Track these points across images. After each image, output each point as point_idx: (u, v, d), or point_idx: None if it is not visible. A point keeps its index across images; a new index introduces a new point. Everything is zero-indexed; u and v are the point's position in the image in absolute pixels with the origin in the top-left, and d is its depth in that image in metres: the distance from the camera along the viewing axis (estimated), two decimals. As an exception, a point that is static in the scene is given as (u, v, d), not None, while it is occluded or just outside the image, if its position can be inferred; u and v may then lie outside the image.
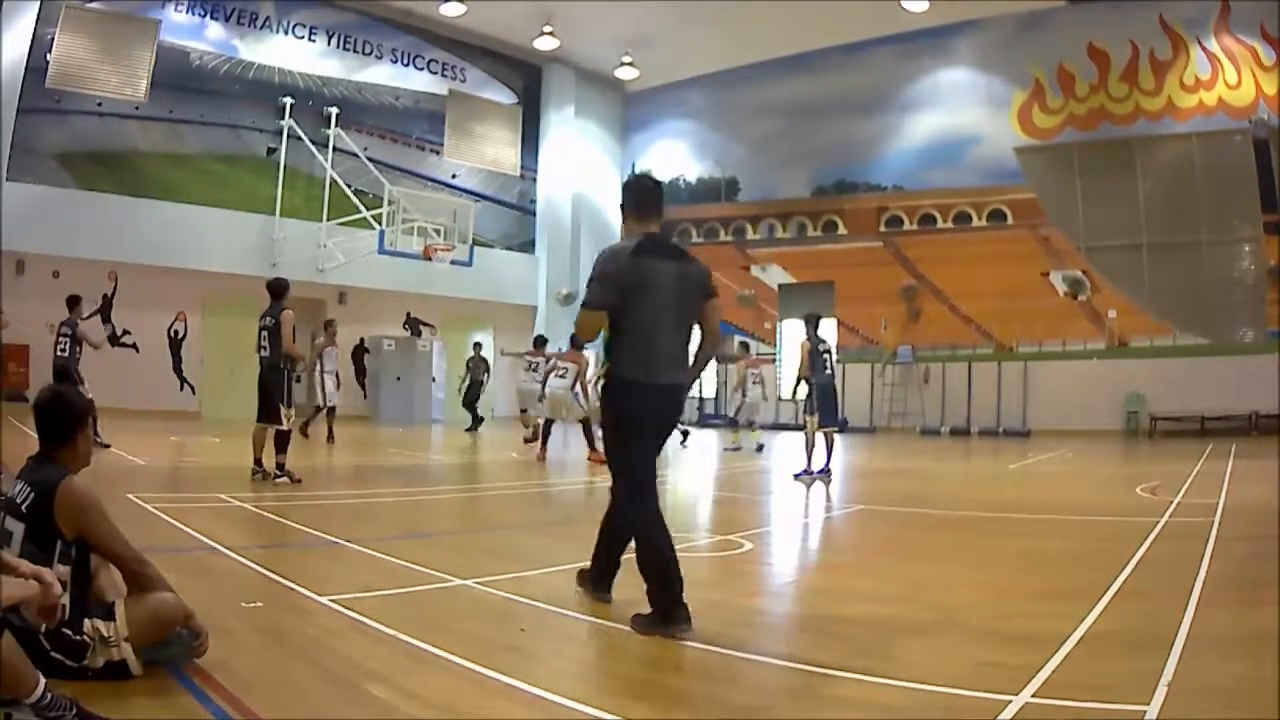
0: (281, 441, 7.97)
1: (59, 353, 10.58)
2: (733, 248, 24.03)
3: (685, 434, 16.33)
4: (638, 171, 3.99)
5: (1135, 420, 18.28)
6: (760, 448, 14.55)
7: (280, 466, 7.85)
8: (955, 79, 21.15)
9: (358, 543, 5.16)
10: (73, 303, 11.04)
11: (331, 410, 13.55)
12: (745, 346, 16.65)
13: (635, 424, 3.71)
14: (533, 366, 12.96)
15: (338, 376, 13.98)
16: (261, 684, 2.73)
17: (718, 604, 4.09)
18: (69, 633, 2.58)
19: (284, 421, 7.96)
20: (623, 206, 3.89)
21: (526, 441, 12.98)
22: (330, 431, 13.38)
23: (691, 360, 3.82)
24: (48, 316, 14.77)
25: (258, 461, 7.96)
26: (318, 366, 13.51)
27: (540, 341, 13.55)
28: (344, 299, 20.42)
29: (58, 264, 16.19)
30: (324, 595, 3.83)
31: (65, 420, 2.90)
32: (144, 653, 2.69)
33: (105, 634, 2.62)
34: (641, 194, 3.86)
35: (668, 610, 3.42)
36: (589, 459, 11.30)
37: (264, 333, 8.01)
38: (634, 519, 3.67)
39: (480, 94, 23.28)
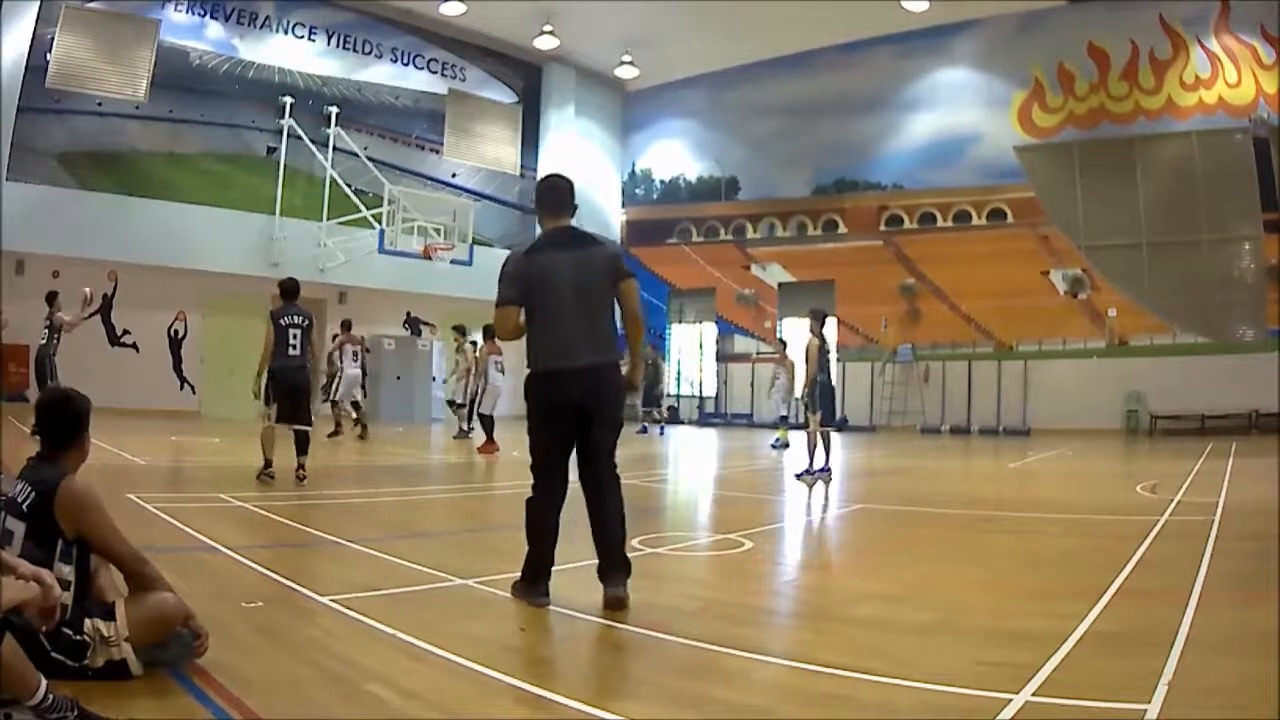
0: (303, 443, 7.91)
1: (39, 342, 11.40)
2: (733, 247, 24.04)
3: (656, 424, 16.29)
4: (549, 174, 4.39)
5: (1135, 419, 18.28)
6: (779, 444, 14.47)
7: (302, 467, 7.83)
8: (955, 78, 21.14)
9: (358, 543, 5.16)
10: (50, 298, 11.54)
11: (357, 405, 13.95)
12: (783, 344, 16.09)
13: (542, 412, 3.87)
14: (500, 366, 13.20)
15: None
16: (261, 684, 2.73)
17: (718, 603, 4.10)
18: (69, 632, 2.58)
19: (310, 422, 7.98)
20: (536, 205, 4.13)
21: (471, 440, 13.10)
22: (363, 427, 13.77)
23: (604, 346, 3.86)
24: (46, 310, 14.81)
25: (269, 463, 7.82)
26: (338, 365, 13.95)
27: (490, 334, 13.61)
28: (344, 299, 20.40)
29: (58, 264, 16.18)
30: (324, 595, 3.83)
31: (71, 422, 2.90)
32: (144, 653, 2.69)
33: (105, 634, 2.62)
34: (545, 192, 4.11)
35: (530, 578, 3.88)
36: (480, 450, 12.16)
37: (294, 331, 7.78)
38: (530, 499, 3.96)
39: (480, 93, 23.28)
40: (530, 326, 3.89)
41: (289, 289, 8.04)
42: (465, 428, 14.38)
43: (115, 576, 2.97)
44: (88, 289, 11.66)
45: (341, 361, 13.98)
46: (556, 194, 4.11)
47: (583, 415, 3.82)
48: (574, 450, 3.95)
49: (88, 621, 2.63)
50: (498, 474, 10.53)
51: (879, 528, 6.83)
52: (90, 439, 2.98)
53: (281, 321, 7.79)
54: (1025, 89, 20.06)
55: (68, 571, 2.70)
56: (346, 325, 14.55)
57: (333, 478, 9.46)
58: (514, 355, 25.02)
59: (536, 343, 3.88)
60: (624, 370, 4.05)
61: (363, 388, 14.39)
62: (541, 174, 19.91)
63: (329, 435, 13.22)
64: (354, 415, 14.00)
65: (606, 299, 3.89)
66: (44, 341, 11.57)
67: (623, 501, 3.98)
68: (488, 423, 12.68)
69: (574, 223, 4.16)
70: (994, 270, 19.95)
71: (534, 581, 3.87)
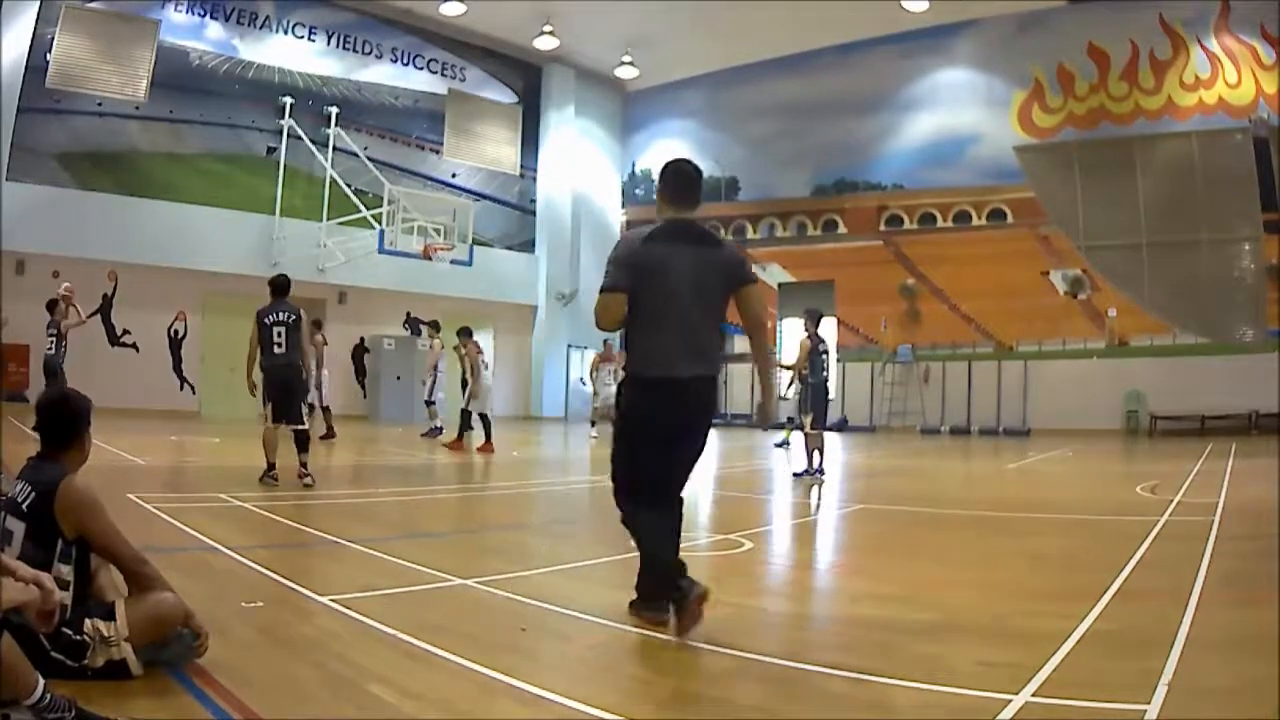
0: (303, 441, 7.83)
1: (46, 350, 11.33)
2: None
3: None
4: (677, 159, 3.87)
5: (1135, 419, 18.29)
6: (783, 444, 14.43)
7: (305, 465, 7.71)
8: (955, 79, 21.14)
9: (358, 543, 5.16)
10: (51, 306, 11.47)
11: (327, 409, 13.78)
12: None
13: (639, 422, 3.52)
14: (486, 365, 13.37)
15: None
16: (261, 684, 2.73)
17: (718, 603, 4.08)
18: (69, 632, 2.58)
19: (305, 421, 7.91)
20: (658, 191, 3.75)
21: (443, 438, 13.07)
22: (330, 428, 13.58)
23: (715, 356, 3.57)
24: (48, 316, 14.79)
25: (272, 465, 7.70)
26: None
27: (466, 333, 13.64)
28: (344, 299, 20.43)
29: (58, 264, 16.18)
30: (324, 595, 3.83)
31: (70, 422, 2.90)
32: (144, 653, 2.69)
33: (105, 634, 2.62)
34: (671, 178, 3.70)
35: (648, 594, 3.54)
36: (448, 446, 12.38)
37: (278, 329, 7.65)
38: (624, 518, 3.65)
39: (480, 93, 23.29)
40: (632, 323, 3.50)
41: (276, 286, 7.90)
42: (438, 426, 14.55)
43: (115, 576, 2.97)
44: (65, 285, 11.69)
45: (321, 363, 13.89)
46: (683, 182, 3.71)
47: (680, 430, 3.52)
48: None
49: (87, 621, 2.62)
50: (498, 474, 10.53)
51: (879, 528, 6.83)
52: (90, 439, 2.98)
53: (266, 320, 7.68)
54: (1025, 89, 20.06)
55: (67, 571, 2.70)
56: (317, 325, 14.37)
57: (333, 478, 9.46)
58: (514, 355, 24.92)
59: (639, 344, 3.51)
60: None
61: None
62: (542, 174, 20.12)
63: (321, 438, 13.19)
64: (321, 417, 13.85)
65: (722, 306, 3.52)
66: (51, 351, 11.39)
67: (682, 518, 3.68)
68: (485, 422, 12.70)
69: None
70: (994, 270, 19.95)
71: (654, 598, 3.53)
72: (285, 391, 7.76)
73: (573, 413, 24.17)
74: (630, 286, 3.46)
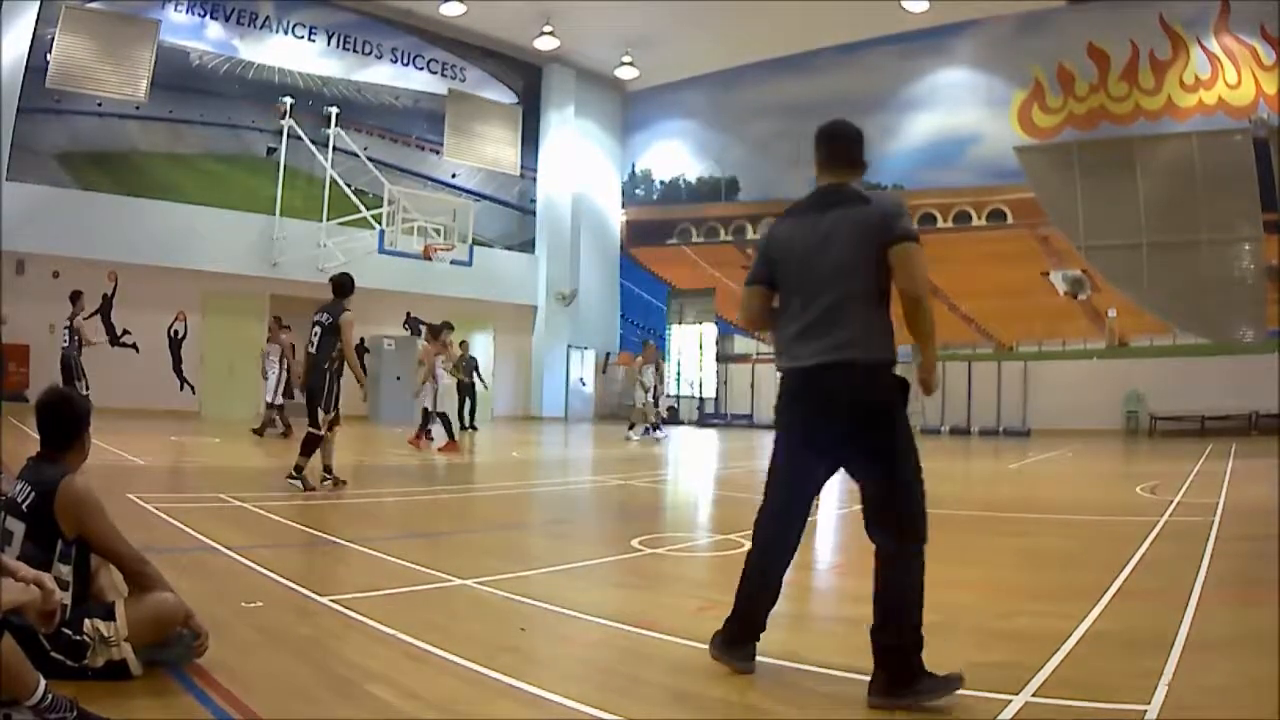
0: (308, 444, 7.62)
1: (63, 346, 10.98)
2: (733, 247, 24.03)
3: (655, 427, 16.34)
4: (833, 119, 3.11)
5: (1135, 420, 18.28)
6: None
7: (298, 469, 7.52)
8: (955, 79, 21.14)
9: (358, 543, 5.16)
10: (74, 297, 11.31)
11: (280, 407, 13.66)
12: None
13: (778, 419, 3.07)
14: (446, 365, 13.31)
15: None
16: (261, 684, 2.73)
17: (718, 604, 4.08)
18: (69, 633, 2.58)
19: (320, 426, 7.61)
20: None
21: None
22: (277, 424, 13.49)
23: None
24: (48, 316, 14.81)
25: (327, 469, 7.62)
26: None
27: (435, 332, 13.68)
28: (344, 299, 20.40)
29: (58, 264, 16.19)
30: (324, 595, 3.83)
31: (70, 422, 2.90)
32: (144, 653, 2.69)
33: (105, 634, 2.62)
34: (819, 140, 3.12)
35: (732, 637, 3.04)
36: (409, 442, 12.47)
37: (315, 329, 7.63)
38: (753, 532, 3.17)
39: (480, 93, 23.29)
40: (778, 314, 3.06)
41: (335, 284, 7.92)
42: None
43: (115, 576, 2.97)
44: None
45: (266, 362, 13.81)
46: (828, 141, 3.10)
47: (811, 436, 2.96)
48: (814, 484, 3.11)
49: (87, 622, 2.62)
50: (498, 474, 10.53)
51: (879, 528, 6.82)
52: (91, 439, 2.98)
53: (312, 319, 7.80)
54: (1025, 89, 20.06)
55: (66, 572, 2.70)
56: (277, 320, 14.36)
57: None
58: (514, 355, 24.87)
59: (777, 332, 3.05)
60: (915, 371, 2.97)
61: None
62: (542, 174, 20.05)
63: (280, 434, 13.19)
64: (275, 416, 13.69)
65: (868, 275, 2.84)
66: (65, 344, 11.34)
67: (914, 585, 3.03)
68: (444, 420, 12.82)
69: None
70: (994, 271, 19.94)
71: (737, 643, 3.03)
72: (307, 392, 7.74)
73: (573, 413, 24.17)
74: (767, 275, 3.05)
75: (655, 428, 16.44)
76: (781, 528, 3.10)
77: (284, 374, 13.67)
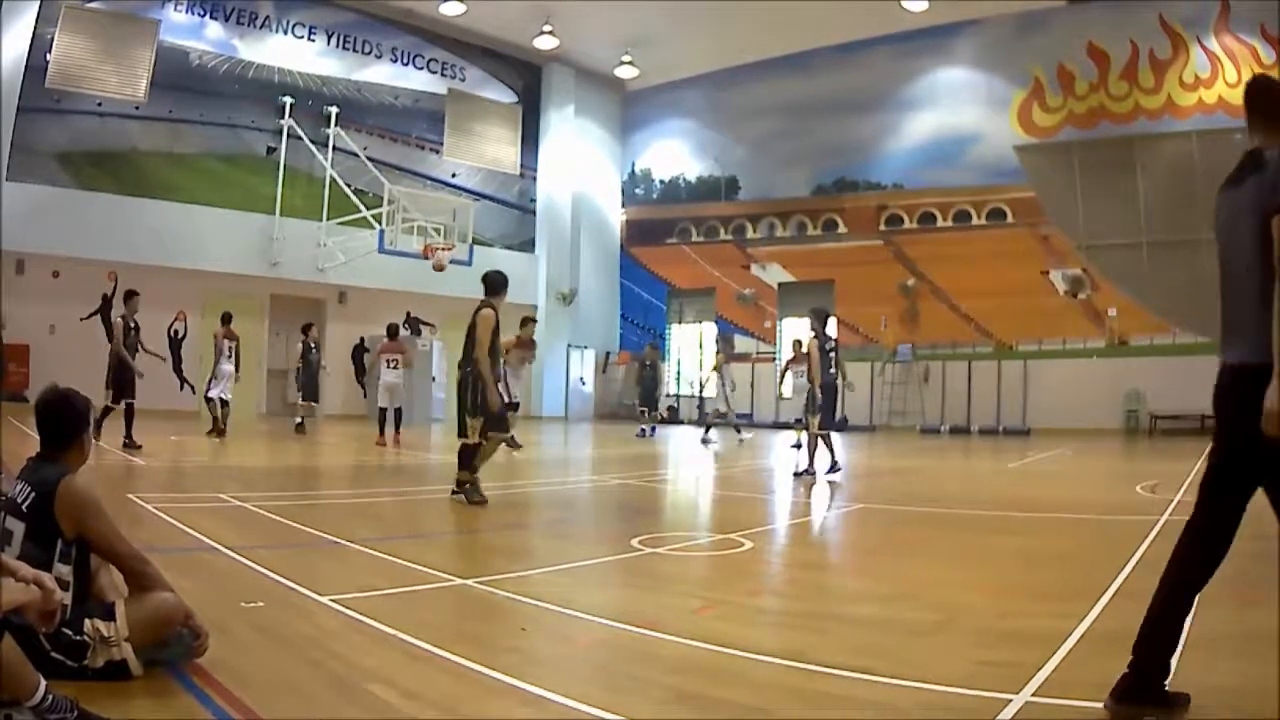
0: (464, 457, 7.04)
1: (114, 343, 10.84)
2: (733, 246, 24.04)
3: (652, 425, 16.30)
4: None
5: (1135, 419, 18.28)
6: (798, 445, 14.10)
7: (460, 485, 7.03)
8: (955, 78, 21.15)
9: (358, 543, 5.16)
10: (128, 296, 11.20)
11: (224, 404, 13.37)
12: (798, 343, 14.18)
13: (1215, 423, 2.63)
14: (392, 364, 13.33)
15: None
16: (261, 684, 2.73)
17: (719, 603, 4.09)
18: (69, 633, 2.58)
19: (469, 434, 7.01)
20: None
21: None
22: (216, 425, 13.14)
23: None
24: (48, 317, 14.84)
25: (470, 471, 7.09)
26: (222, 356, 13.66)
27: (393, 331, 13.89)
28: (344, 299, 20.44)
29: (58, 264, 16.20)
30: (324, 595, 3.83)
31: (70, 422, 2.90)
32: (144, 653, 2.69)
33: (105, 634, 2.62)
34: (1253, 94, 2.63)
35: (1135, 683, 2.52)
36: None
37: (469, 331, 7.18)
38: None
39: (480, 93, 23.30)
40: None
41: (484, 281, 7.55)
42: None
43: (115, 576, 2.97)
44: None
45: (217, 358, 13.62)
46: (1256, 95, 2.60)
47: (1227, 446, 2.62)
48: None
49: (87, 622, 2.62)
50: (498, 474, 10.52)
51: (879, 528, 6.83)
52: (90, 440, 2.98)
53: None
54: (1025, 89, 20.06)
55: (66, 572, 2.70)
56: (226, 318, 14.15)
57: (333, 478, 9.47)
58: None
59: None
60: None
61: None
62: (542, 174, 20.13)
63: (207, 433, 12.97)
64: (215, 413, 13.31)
65: (1264, 256, 2.36)
66: (122, 341, 10.85)
67: None
68: (381, 416, 13.00)
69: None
70: (994, 270, 19.95)
71: (1148, 690, 2.53)
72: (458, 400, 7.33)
73: (573, 412, 24.18)
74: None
75: (736, 429, 16.41)
76: (1207, 538, 2.82)
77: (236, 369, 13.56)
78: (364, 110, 20.97)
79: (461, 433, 7.11)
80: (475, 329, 7.09)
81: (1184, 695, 2.54)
